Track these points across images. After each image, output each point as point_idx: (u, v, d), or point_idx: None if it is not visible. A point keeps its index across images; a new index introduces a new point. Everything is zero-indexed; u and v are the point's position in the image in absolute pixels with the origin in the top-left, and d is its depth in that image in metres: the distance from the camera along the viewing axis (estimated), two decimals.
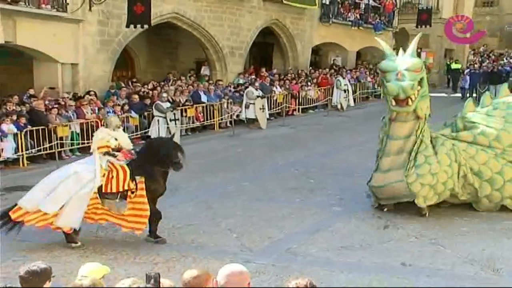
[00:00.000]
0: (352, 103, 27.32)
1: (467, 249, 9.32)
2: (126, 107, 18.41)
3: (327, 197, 12.45)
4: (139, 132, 18.56)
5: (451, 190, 11.00)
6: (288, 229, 10.38)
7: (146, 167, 9.21)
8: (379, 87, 30.66)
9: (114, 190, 9.22)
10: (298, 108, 25.41)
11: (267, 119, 22.64)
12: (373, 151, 17.06)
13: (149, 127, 18.67)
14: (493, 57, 38.51)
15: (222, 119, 21.70)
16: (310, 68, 29.37)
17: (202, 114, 20.89)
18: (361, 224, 10.66)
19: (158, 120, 18.36)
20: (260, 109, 22.02)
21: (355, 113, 25.70)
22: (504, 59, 34.09)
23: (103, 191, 9.20)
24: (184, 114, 19.86)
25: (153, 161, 9.25)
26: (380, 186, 11.11)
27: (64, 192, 9.01)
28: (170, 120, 18.48)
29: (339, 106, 26.53)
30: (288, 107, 24.54)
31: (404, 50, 11.00)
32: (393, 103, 10.55)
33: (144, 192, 9.17)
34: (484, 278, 8.28)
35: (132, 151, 9.58)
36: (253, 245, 9.51)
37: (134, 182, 9.17)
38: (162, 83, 21.79)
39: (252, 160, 16.24)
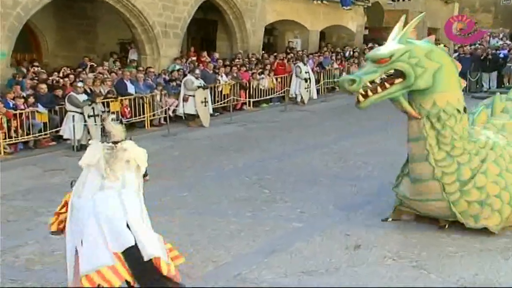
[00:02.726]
0: (315, 95, 27.55)
1: (456, 274, 9.44)
2: (32, 100, 18.16)
3: (285, 210, 12.49)
4: (48, 132, 18.36)
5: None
6: (237, 250, 10.39)
7: None
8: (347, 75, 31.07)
9: None
10: (249, 101, 25.55)
11: (211, 114, 22.69)
12: (342, 153, 17.42)
13: (61, 125, 18.46)
14: (487, 37, 39.18)
15: (154, 114, 21.64)
16: (263, 52, 29.53)
17: (129, 108, 20.79)
18: (327, 243, 10.70)
19: (73, 116, 18.13)
20: (202, 102, 22.02)
21: (319, 107, 25.92)
22: (498, 40, 34.86)
23: None
24: (106, 108, 19.70)
25: None
26: (416, 200, 11.32)
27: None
28: (89, 117, 18.28)
29: (299, 99, 26.76)
30: (237, 100, 24.64)
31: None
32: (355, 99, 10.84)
33: None
34: None
35: None
36: (193, 270, 9.47)
37: None
38: (78, 70, 21.58)
39: (192, 165, 16.21)
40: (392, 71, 10.58)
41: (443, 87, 10.83)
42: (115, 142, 8.20)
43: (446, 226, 11.31)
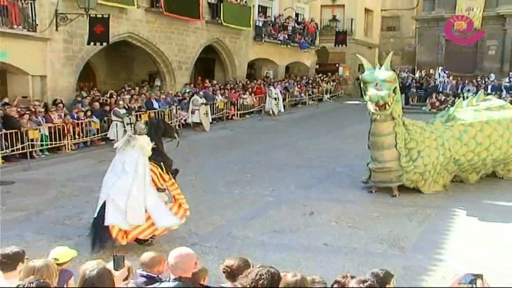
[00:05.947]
0: (282, 109, 27.45)
1: (377, 231, 9.52)
2: (89, 113, 18.07)
3: (262, 189, 12.49)
4: (100, 135, 18.26)
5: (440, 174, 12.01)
6: (229, 216, 10.39)
7: (157, 149, 8.72)
8: (304, 95, 31.11)
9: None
10: (237, 113, 25.42)
11: (210, 123, 22.54)
12: (301, 149, 17.43)
13: (108, 130, 18.38)
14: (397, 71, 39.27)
15: (171, 123, 21.51)
16: (247, 79, 29.43)
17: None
18: (290, 211, 10.73)
19: (116, 124, 18.08)
20: (204, 114, 21.94)
21: (285, 117, 25.89)
22: (405, 73, 34.82)
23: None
24: (138, 119, 19.55)
25: (159, 135, 8.89)
26: (379, 170, 11.80)
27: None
28: (127, 124, 18.17)
29: (271, 112, 26.71)
30: (228, 112, 24.55)
31: (380, 66, 11.39)
32: (374, 108, 11.06)
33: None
34: (391, 255, 8.48)
35: None
36: (199, 230, 9.47)
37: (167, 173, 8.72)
38: (119, 92, 21.45)
39: (197, 157, 16.13)
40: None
41: (398, 100, 11.49)
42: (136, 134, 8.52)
43: (397, 195, 11.74)
